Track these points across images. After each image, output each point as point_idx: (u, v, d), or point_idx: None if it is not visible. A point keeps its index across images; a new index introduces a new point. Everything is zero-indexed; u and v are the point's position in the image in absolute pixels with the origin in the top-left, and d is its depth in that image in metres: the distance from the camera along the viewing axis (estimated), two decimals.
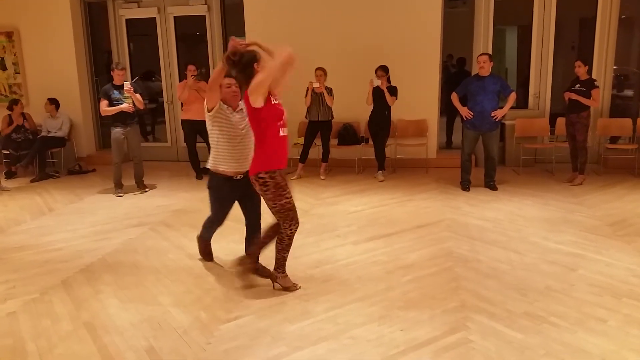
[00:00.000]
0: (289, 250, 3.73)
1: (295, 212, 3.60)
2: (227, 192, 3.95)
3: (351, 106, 7.67)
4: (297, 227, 3.63)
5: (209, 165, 3.92)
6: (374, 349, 3.01)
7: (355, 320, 3.35)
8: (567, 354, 2.90)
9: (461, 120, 6.61)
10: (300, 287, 3.82)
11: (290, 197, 3.55)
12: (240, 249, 4.65)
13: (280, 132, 3.48)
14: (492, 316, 3.34)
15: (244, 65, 3.40)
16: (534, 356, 2.89)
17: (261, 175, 3.46)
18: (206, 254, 4.41)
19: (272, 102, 3.43)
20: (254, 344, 3.10)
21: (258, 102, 3.35)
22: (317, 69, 7.05)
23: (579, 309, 3.41)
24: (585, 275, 3.93)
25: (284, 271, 3.79)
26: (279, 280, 3.80)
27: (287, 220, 3.57)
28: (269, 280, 3.90)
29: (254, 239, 3.96)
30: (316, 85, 6.97)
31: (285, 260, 3.77)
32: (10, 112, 7.97)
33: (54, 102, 8.11)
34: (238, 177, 3.86)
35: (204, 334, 3.23)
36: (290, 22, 7.93)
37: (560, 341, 3.03)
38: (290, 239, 3.67)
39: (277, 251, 3.72)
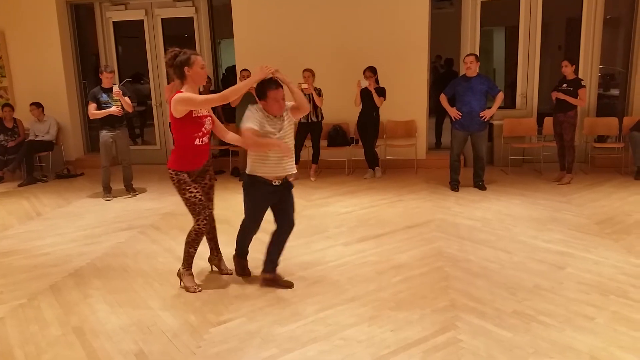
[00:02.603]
0: (195, 247, 3.81)
1: (202, 206, 3.70)
2: (262, 196, 3.75)
3: (340, 107, 7.69)
4: (205, 224, 3.74)
5: (247, 169, 3.76)
6: (365, 349, 3.02)
7: (345, 321, 3.35)
8: (556, 352, 2.93)
9: (450, 121, 6.65)
10: (200, 290, 3.84)
11: (195, 192, 3.67)
12: (228, 251, 4.65)
13: (197, 141, 3.65)
14: (481, 315, 3.36)
15: (176, 65, 3.59)
16: (523, 354, 2.91)
17: (170, 171, 3.68)
18: (243, 270, 4.12)
19: (194, 116, 3.60)
20: (244, 347, 3.10)
21: (178, 113, 3.54)
22: (305, 70, 7.04)
23: (567, 307, 3.44)
24: (574, 274, 3.96)
25: (189, 268, 3.88)
26: (183, 277, 3.90)
27: (194, 214, 3.71)
28: (256, 284, 3.91)
29: (281, 244, 3.92)
30: (305, 86, 6.95)
31: (192, 257, 3.86)
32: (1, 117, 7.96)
33: (39, 106, 8.05)
34: (276, 183, 3.72)
35: (194, 338, 3.22)
36: (279, 24, 7.94)
37: (549, 339, 3.06)
38: (197, 235, 3.76)
39: (185, 245, 3.82)
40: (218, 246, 4.17)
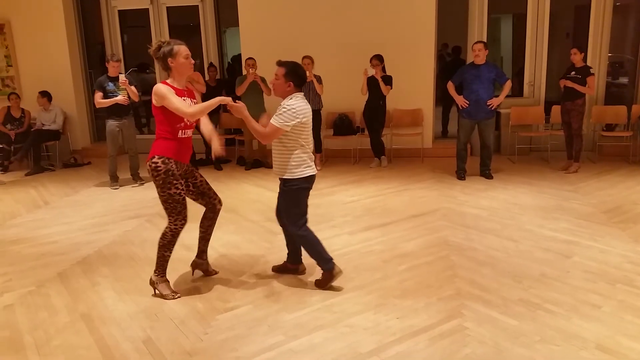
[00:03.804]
0: (171, 250, 3.54)
1: (184, 207, 3.46)
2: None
3: (346, 96, 7.66)
4: (182, 224, 3.48)
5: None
6: (370, 337, 3.03)
7: (351, 309, 3.36)
8: (562, 339, 2.93)
9: (457, 109, 6.61)
10: (179, 297, 3.59)
11: (181, 190, 3.43)
12: (234, 239, 4.67)
13: (180, 133, 3.45)
14: (487, 303, 3.36)
15: (159, 57, 3.43)
16: (529, 342, 2.91)
17: (155, 160, 3.39)
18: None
19: None
20: (251, 334, 3.12)
21: (156, 103, 3.39)
22: (304, 57, 6.95)
23: (573, 295, 3.44)
24: (580, 262, 3.95)
25: (163, 274, 3.61)
26: (157, 286, 3.61)
27: (173, 213, 3.44)
28: (264, 272, 3.92)
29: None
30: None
31: (167, 262, 3.58)
32: (8, 105, 8.02)
33: (45, 95, 8.07)
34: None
35: (201, 324, 3.24)
36: (284, 12, 7.90)
37: (555, 327, 3.06)
38: (174, 236, 3.50)
39: (158, 248, 3.53)
40: (207, 249, 3.92)
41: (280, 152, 3.52)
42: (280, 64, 3.50)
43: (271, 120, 3.43)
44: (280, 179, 3.59)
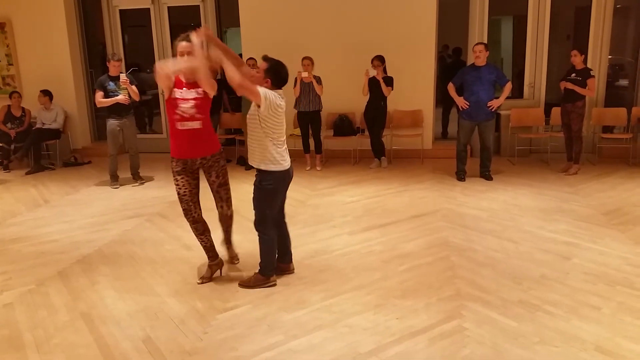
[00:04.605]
0: (198, 237, 3.77)
1: (187, 205, 3.64)
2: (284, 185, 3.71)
3: (347, 97, 7.67)
4: (188, 222, 3.69)
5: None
6: (370, 337, 3.03)
7: (351, 309, 3.37)
8: (561, 341, 2.93)
9: (457, 111, 6.62)
10: (200, 283, 3.79)
11: (181, 187, 3.62)
12: (236, 239, 4.67)
13: (178, 125, 3.52)
14: (487, 304, 3.36)
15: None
16: (528, 343, 2.92)
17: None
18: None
19: (172, 97, 3.51)
20: (250, 333, 3.12)
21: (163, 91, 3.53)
22: (304, 58, 6.95)
23: (573, 296, 3.44)
24: (580, 264, 3.96)
25: (208, 257, 3.87)
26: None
27: (182, 209, 3.68)
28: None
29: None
30: (305, 74, 6.86)
31: (204, 248, 3.82)
32: (9, 104, 8.02)
33: (47, 94, 8.07)
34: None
35: (200, 324, 3.25)
36: (285, 13, 7.90)
37: (554, 328, 3.06)
38: (192, 229, 3.74)
39: None
40: (228, 238, 4.08)
41: (260, 146, 3.46)
42: (265, 59, 3.51)
43: (259, 87, 3.37)
44: (259, 172, 3.54)
